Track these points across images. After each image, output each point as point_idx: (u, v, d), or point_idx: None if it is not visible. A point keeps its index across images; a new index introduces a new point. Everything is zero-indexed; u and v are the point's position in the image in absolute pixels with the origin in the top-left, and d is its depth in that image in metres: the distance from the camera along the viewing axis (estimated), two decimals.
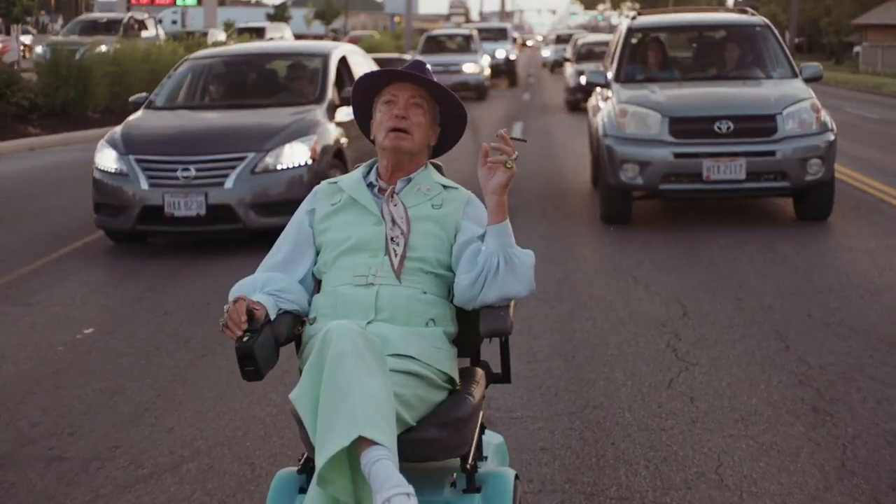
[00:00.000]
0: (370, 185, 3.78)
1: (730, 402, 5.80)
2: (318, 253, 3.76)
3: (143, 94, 12.12)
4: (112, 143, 10.43)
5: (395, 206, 3.68)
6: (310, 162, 10.18)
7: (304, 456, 3.42)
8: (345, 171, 10.43)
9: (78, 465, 5.13)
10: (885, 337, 6.96)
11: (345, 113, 11.01)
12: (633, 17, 13.74)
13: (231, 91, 12.01)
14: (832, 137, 10.90)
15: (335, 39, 70.89)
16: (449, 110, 3.82)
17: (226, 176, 9.93)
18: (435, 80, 3.74)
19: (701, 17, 14.62)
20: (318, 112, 10.92)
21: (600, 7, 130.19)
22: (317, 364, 3.17)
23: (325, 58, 11.86)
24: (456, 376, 3.54)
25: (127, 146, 10.28)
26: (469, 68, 32.37)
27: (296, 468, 3.49)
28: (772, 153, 10.69)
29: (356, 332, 3.19)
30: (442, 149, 3.90)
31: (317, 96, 11.29)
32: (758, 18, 13.01)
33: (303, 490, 3.38)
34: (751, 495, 4.62)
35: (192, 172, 9.91)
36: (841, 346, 6.78)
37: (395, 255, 3.58)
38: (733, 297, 8.10)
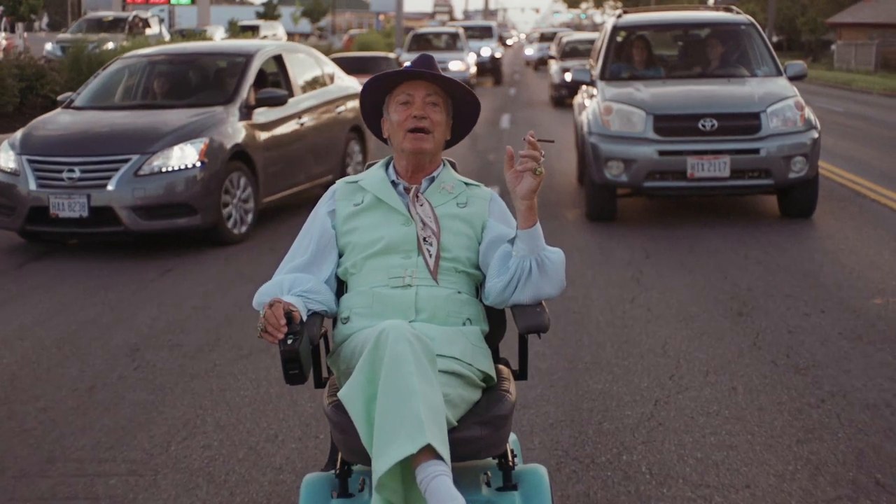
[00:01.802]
0: (393, 184, 3.76)
1: (676, 311, 7.67)
2: (340, 254, 3.75)
3: (69, 94, 12.14)
4: (11, 144, 10.42)
5: (422, 205, 3.66)
6: (199, 164, 10.00)
7: (339, 458, 3.43)
8: (251, 174, 10.73)
9: (193, 349, 6.97)
10: (804, 270, 8.86)
11: (264, 114, 11.16)
12: (619, 16, 13.63)
13: (150, 91, 11.76)
14: (816, 135, 10.95)
15: (321, 37, 72.52)
16: (461, 103, 3.81)
17: (109, 178, 9.78)
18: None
19: (686, 16, 14.43)
20: (224, 113, 10.69)
21: (583, 6, 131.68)
22: (370, 364, 3.16)
23: (247, 58, 11.65)
24: (493, 374, 3.55)
25: (22, 146, 10.26)
26: (455, 66, 33.15)
27: (322, 472, 3.54)
28: (756, 151, 10.71)
29: (413, 334, 3.18)
30: (452, 141, 3.87)
31: (228, 97, 11.04)
32: (743, 17, 12.94)
33: (336, 494, 3.42)
34: (685, 360, 6.50)
35: (77, 174, 9.82)
36: (768, 276, 8.66)
37: (430, 255, 3.59)
38: (688, 245, 9.96)
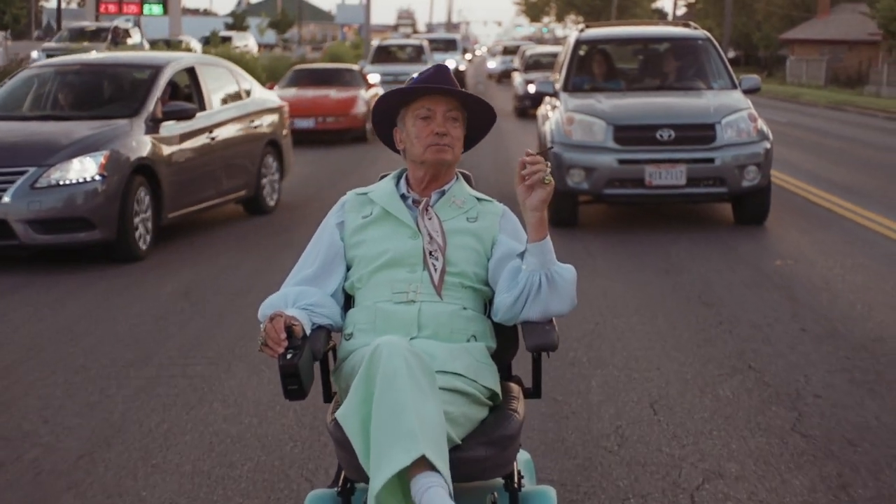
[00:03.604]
0: (403, 197, 3.72)
1: (617, 271, 9.58)
2: (348, 268, 3.71)
3: None
4: None
5: (430, 219, 3.63)
6: (98, 177, 9.72)
7: (343, 476, 3.39)
8: (153, 189, 10.47)
9: (233, 292, 8.80)
10: (724, 242, 10.85)
11: (171, 128, 10.92)
12: (582, 30, 14.07)
13: (57, 102, 11.45)
14: (768, 145, 11.46)
15: (286, 48, 74.06)
16: (476, 115, 3.78)
17: (4, 190, 9.53)
18: (460, 87, 3.69)
19: (646, 31, 15.11)
20: (128, 126, 10.41)
21: (545, 20, 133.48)
22: (365, 382, 3.15)
23: (155, 70, 11.42)
24: (499, 392, 3.51)
25: None
26: None
27: (328, 489, 3.52)
28: (711, 160, 11.19)
29: (407, 350, 3.16)
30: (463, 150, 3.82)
31: (134, 109, 10.75)
32: (700, 32, 13.43)
33: None
34: (620, 300, 8.41)
35: None
36: (693, 247, 10.62)
37: (435, 270, 3.54)
38: (634, 231, 11.75)
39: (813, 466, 5.03)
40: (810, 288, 8.75)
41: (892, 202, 13.52)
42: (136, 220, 10.14)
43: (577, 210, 11.93)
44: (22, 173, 9.62)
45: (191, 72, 11.98)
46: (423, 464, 2.98)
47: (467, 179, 3.89)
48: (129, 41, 38.60)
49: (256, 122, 12.94)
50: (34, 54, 35.59)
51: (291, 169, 14.39)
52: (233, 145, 12.19)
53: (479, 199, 3.77)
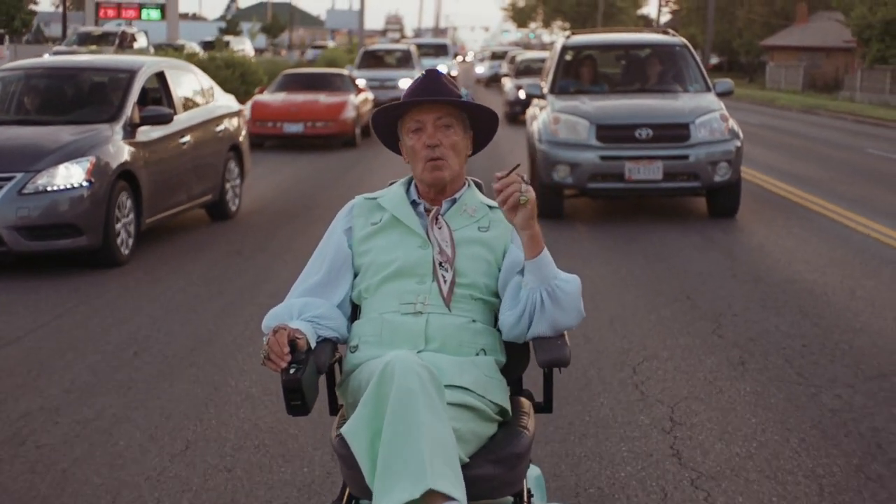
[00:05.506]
0: (413, 204, 3.64)
1: (591, 239, 11.54)
2: (356, 275, 3.63)
3: None
4: None
5: (440, 228, 3.55)
6: (85, 183, 9.64)
7: (347, 493, 3.37)
8: (134, 194, 10.41)
9: (267, 261, 10.67)
10: (682, 216, 12.77)
11: (147, 132, 10.80)
12: (568, 37, 14.91)
13: (27, 106, 11.24)
14: (739, 144, 12.36)
15: (276, 53, 75.75)
16: (477, 116, 3.69)
17: None
18: (455, 90, 3.60)
19: (628, 37, 16.06)
20: (109, 131, 10.32)
21: (532, 25, 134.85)
22: (375, 398, 3.06)
23: (130, 74, 11.24)
24: (508, 407, 3.43)
25: None
26: (405, 84, 30.82)
27: None
28: (685, 157, 12.04)
29: (422, 367, 3.07)
30: (473, 152, 3.75)
31: (112, 114, 10.64)
32: (678, 39, 14.28)
33: None
34: (594, 257, 10.37)
35: None
36: (656, 221, 12.57)
37: (445, 281, 3.46)
38: (614, 218, 13.74)
39: (722, 352, 7.04)
40: (747, 249, 10.77)
41: (835, 189, 15.56)
42: (118, 225, 10.10)
43: (563, 203, 12.92)
44: (9, 179, 9.53)
45: (160, 76, 11.87)
46: (437, 494, 2.92)
47: (478, 187, 3.81)
48: (136, 45, 40.43)
49: (220, 127, 12.81)
50: (46, 56, 37.23)
51: (250, 173, 14.20)
52: (200, 150, 12.08)
53: (490, 207, 3.67)
